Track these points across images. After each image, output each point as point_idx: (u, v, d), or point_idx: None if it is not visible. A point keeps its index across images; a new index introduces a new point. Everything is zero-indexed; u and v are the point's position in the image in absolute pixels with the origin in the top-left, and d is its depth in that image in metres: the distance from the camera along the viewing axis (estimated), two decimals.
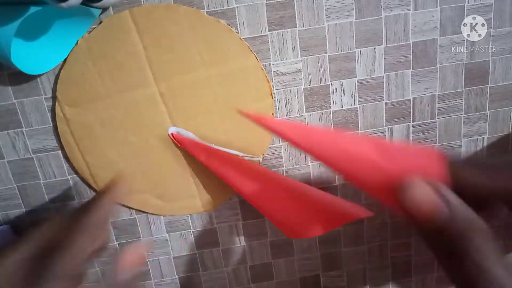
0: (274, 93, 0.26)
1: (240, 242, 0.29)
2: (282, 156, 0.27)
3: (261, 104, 0.26)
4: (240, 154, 0.26)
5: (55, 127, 0.25)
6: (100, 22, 0.24)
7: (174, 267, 0.29)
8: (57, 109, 0.25)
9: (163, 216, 0.28)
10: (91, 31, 0.24)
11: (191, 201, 0.27)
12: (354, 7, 0.25)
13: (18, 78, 0.24)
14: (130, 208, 0.28)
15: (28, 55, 0.23)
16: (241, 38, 0.25)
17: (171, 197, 0.27)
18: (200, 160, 0.25)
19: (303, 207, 0.24)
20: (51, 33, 0.23)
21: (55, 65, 0.24)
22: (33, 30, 0.23)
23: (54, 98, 0.25)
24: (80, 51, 0.24)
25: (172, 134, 0.26)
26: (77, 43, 0.24)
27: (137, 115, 0.25)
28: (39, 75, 0.24)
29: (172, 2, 0.24)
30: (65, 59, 0.24)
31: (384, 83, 0.27)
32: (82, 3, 0.21)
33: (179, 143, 0.26)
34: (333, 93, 0.27)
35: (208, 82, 0.25)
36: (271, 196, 0.25)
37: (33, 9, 0.21)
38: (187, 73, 0.25)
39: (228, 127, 0.26)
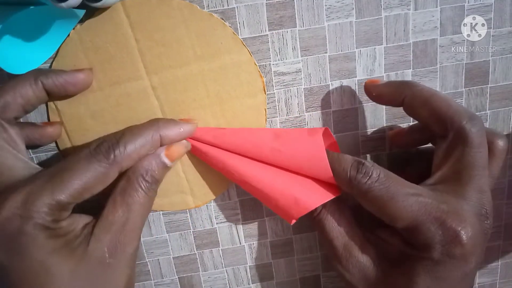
0: (274, 92, 0.26)
1: (240, 242, 0.29)
2: None
3: (254, 100, 0.26)
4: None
5: (47, 119, 0.25)
6: (93, 14, 0.24)
7: (174, 267, 0.29)
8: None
9: (154, 212, 0.28)
10: (83, 23, 0.24)
11: (181, 196, 0.27)
12: (354, 7, 0.25)
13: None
14: None
15: (10, 55, 0.23)
16: (234, 32, 0.24)
17: (161, 193, 0.27)
18: (195, 154, 0.26)
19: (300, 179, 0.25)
20: (34, 34, 0.23)
21: (38, 65, 0.24)
22: (15, 30, 0.23)
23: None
24: (72, 43, 0.24)
25: None
26: (69, 34, 0.24)
27: (128, 109, 0.25)
28: None
29: None
30: (57, 51, 0.24)
31: None
32: (82, 3, 0.21)
33: None
34: (333, 93, 0.27)
35: (201, 77, 0.25)
36: (270, 175, 0.25)
37: (16, 12, 0.21)
38: (179, 67, 0.25)
39: (220, 123, 0.26)
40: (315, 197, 0.24)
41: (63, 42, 0.24)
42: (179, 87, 0.25)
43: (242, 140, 0.25)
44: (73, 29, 0.24)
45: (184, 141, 0.24)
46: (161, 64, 0.24)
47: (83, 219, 0.22)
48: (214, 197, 0.28)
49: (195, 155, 0.26)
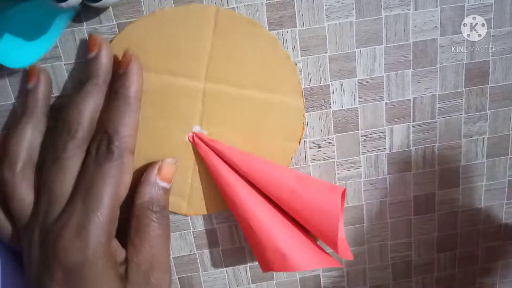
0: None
1: (240, 242, 0.29)
2: None
3: (285, 145, 0.26)
4: None
5: None
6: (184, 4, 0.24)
7: (174, 267, 0.29)
8: None
9: None
10: (174, 4, 0.24)
11: (177, 199, 0.27)
12: (354, 7, 0.25)
13: (18, 77, 0.24)
14: None
15: (6, 49, 0.23)
16: (300, 81, 0.25)
17: None
18: (209, 170, 0.26)
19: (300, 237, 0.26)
20: (31, 28, 0.23)
21: (36, 59, 0.24)
22: (12, 25, 0.23)
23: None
24: (154, 19, 0.24)
25: (193, 136, 0.26)
26: (154, 11, 0.24)
27: (170, 101, 0.25)
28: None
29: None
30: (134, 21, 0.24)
31: (384, 83, 0.27)
32: (82, 3, 0.21)
33: (196, 145, 0.26)
34: (333, 93, 0.27)
35: (249, 103, 0.25)
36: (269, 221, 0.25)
37: (12, 6, 0.21)
38: (235, 86, 0.25)
39: (246, 151, 0.26)
40: (305, 260, 0.24)
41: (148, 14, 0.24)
42: (226, 103, 0.25)
43: (264, 172, 0.25)
44: (161, 8, 0.24)
45: (170, 159, 0.25)
46: (222, 76, 0.25)
47: (121, 253, 0.22)
48: (207, 212, 0.27)
49: (208, 170, 0.26)
